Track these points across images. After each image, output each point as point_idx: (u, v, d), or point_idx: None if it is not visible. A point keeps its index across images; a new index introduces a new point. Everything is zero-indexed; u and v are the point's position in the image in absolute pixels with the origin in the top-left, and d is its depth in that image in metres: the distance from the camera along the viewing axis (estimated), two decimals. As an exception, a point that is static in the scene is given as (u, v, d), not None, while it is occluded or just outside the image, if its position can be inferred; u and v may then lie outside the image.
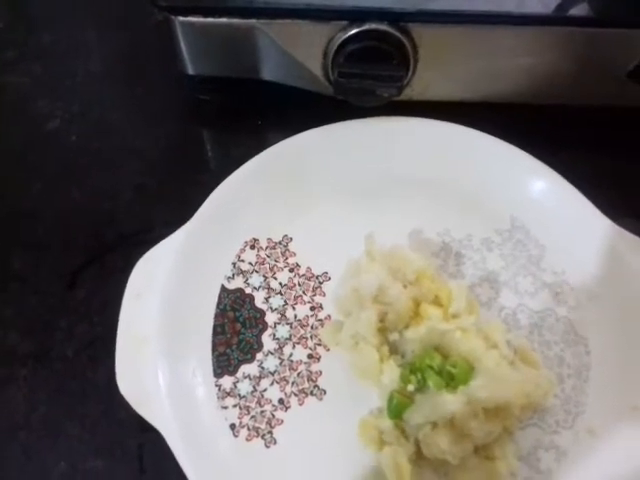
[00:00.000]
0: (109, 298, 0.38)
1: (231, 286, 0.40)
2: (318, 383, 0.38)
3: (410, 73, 0.40)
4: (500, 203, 0.43)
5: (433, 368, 0.34)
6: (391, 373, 0.35)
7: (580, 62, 0.41)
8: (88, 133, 0.48)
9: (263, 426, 0.36)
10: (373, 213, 0.42)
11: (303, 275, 0.41)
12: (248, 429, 0.36)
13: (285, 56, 0.42)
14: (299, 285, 0.41)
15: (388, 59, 0.39)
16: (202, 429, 0.35)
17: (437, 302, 0.37)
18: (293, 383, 0.38)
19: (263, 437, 0.36)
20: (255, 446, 0.36)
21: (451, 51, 0.41)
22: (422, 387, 0.34)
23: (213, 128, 0.49)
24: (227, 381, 0.37)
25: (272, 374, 0.38)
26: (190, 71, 0.45)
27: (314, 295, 0.41)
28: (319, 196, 0.43)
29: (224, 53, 0.43)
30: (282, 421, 0.37)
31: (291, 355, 0.39)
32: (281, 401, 0.37)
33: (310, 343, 0.39)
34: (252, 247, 0.42)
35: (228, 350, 0.38)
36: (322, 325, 0.39)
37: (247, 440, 0.36)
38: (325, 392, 0.37)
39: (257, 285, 0.41)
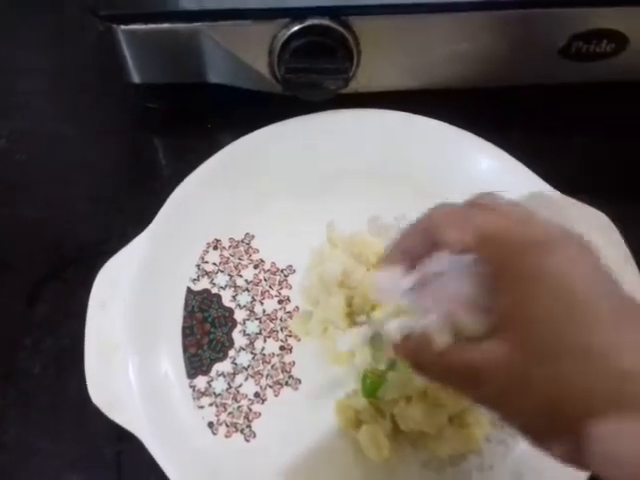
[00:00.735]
0: (73, 310, 0.38)
1: (197, 287, 0.40)
2: (292, 373, 0.38)
3: (354, 65, 0.42)
4: (452, 184, 0.44)
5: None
6: (362, 354, 0.35)
7: (514, 43, 0.43)
8: (36, 150, 0.47)
9: (241, 421, 0.37)
10: (331, 204, 0.43)
11: (268, 270, 0.42)
12: (226, 426, 0.36)
13: (231, 57, 0.43)
14: (265, 280, 0.41)
15: (332, 52, 0.40)
16: (180, 430, 0.35)
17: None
18: (267, 376, 0.38)
19: (242, 432, 0.36)
20: (235, 442, 0.36)
21: (391, 41, 0.42)
22: (393, 365, 0.35)
23: (164, 135, 0.49)
24: (201, 381, 0.37)
25: (246, 369, 0.38)
26: (136, 80, 0.45)
27: (281, 289, 0.41)
28: (277, 192, 0.44)
29: (169, 59, 0.44)
30: (260, 414, 0.37)
31: (263, 349, 0.39)
32: (257, 395, 0.37)
33: (281, 335, 0.39)
34: (215, 248, 0.42)
35: (199, 351, 0.38)
36: (291, 317, 0.40)
37: (226, 437, 0.36)
38: (300, 381, 0.38)
39: (223, 284, 0.41)
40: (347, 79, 0.42)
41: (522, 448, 0.35)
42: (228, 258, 0.42)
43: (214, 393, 0.37)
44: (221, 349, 0.39)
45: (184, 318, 0.39)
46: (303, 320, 0.39)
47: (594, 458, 0.22)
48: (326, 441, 0.36)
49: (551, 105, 0.48)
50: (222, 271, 0.41)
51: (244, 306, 0.40)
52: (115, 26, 0.41)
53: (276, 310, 0.40)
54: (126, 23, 0.41)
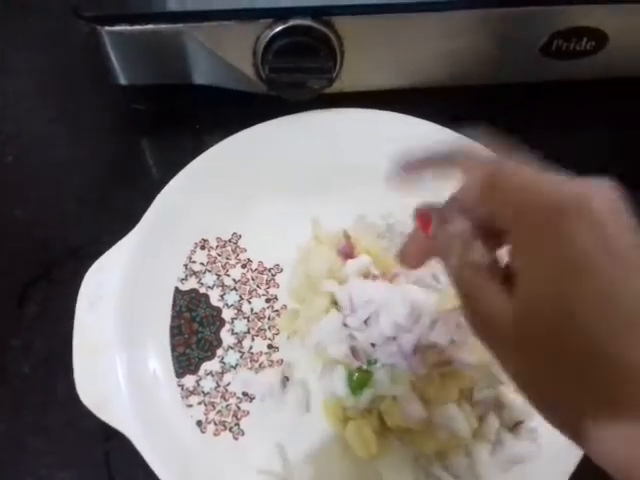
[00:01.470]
0: (61, 311, 0.38)
1: (185, 287, 0.41)
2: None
3: (338, 64, 0.42)
4: (438, 182, 0.44)
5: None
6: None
7: (496, 41, 0.44)
8: (24, 152, 0.47)
9: (229, 419, 0.37)
10: (317, 203, 0.44)
11: (256, 269, 0.42)
12: (215, 424, 0.37)
13: (215, 58, 0.43)
14: (253, 279, 0.42)
15: (315, 52, 0.40)
16: (168, 429, 0.36)
17: (386, 277, 0.38)
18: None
19: (231, 430, 0.37)
20: (223, 440, 0.36)
21: (374, 41, 0.43)
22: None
23: (151, 135, 0.49)
24: (189, 380, 0.38)
25: (234, 368, 0.38)
26: (122, 81, 0.45)
27: (268, 287, 0.41)
28: (264, 191, 0.44)
29: (154, 60, 0.44)
30: (248, 412, 0.37)
31: (251, 348, 0.39)
32: (245, 393, 0.38)
33: (269, 334, 0.40)
34: (202, 247, 0.42)
35: (188, 350, 0.39)
36: (279, 315, 0.40)
37: (215, 435, 0.36)
38: (288, 379, 0.38)
39: (211, 284, 0.41)
40: (331, 79, 0.42)
41: (510, 442, 0.36)
42: (215, 258, 0.42)
43: (202, 392, 0.38)
44: (209, 348, 0.39)
45: (172, 318, 0.39)
46: (290, 318, 0.39)
47: (591, 455, 0.22)
48: (314, 438, 0.36)
49: (535, 103, 0.49)
50: (210, 271, 0.42)
51: (232, 305, 0.41)
52: (100, 27, 0.41)
53: (264, 309, 0.41)
54: (111, 24, 0.41)
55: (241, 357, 0.39)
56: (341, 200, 0.44)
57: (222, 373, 0.38)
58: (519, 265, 0.23)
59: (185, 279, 0.41)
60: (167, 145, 0.48)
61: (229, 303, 0.41)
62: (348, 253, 0.39)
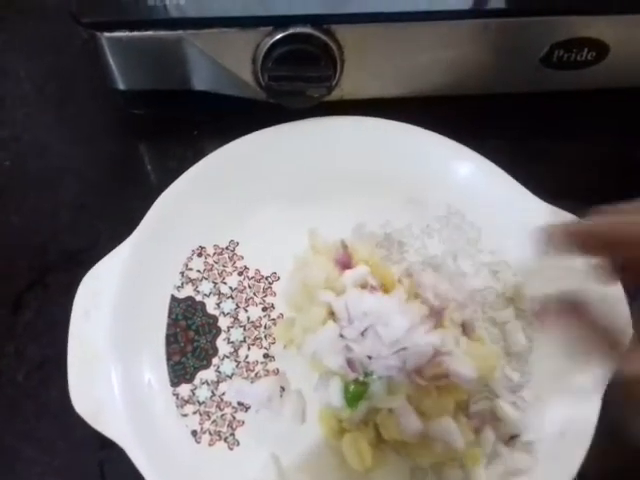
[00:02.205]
0: (57, 318, 0.38)
1: (181, 295, 0.41)
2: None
3: (338, 73, 0.42)
4: (436, 192, 0.44)
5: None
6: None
7: (497, 52, 0.43)
8: (22, 157, 0.47)
9: (225, 429, 0.37)
10: (315, 212, 0.43)
11: (252, 277, 0.42)
12: (210, 434, 0.36)
13: (214, 65, 0.43)
14: (249, 287, 0.41)
15: (315, 60, 0.40)
16: (163, 439, 0.35)
17: (384, 289, 0.38)
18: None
19: (225, 440, 0.36)
20: (218, 450, 0.36)
21: (375, 50, 0.42)
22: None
23: (149, 141, 0.49)
24: (185, 389, 0.38)
25: (230, 377, 0.38)
26: (121, 86, 0.45)
27: (265, 296, 0.41)
28: (261, 199, 0.44)
29: (153, 66, 0.44)
30: (243, 422, 0.37)
31: (247, 357, 0.39)
32: (241, 402, 0.37)
33: (265, 343, 0.39)
34: (199, 255, 0.42)
35: (183, 358, 0.39)
36: (275, 324, 0.40)
37: (210, 445, 0.36)
38: (283, 389, 0.38)
39: (207, 292, 0.41)
40: (330, 87, 0.42)
41: (506, 455, 0.36)
42: (212, 265, 0.42)
43: (198, 401, 0.37)
44: (205, 357, 0.39)
45: (168, 326, 0.39)
46: (286, 327, 0.39)
47: None
48: (310, 449, 0.36)
49: (535, 113, 0.49)
50: (206, 278, 0.41)
51: (228, 313, 0.40)
52: (98, 34, 0.41)
53: (260, 317, 0.40)
54: (109, 30, 0.41)
55: (237, 366, 0.39)
56: (339, 208, 0.44)
57: (218, 382, 0.38)
58: None
59: (181, 287, 0.41)
60: (165, 151, 0.47)
61: (225, 311, 0.40)
62: (346, 263, 0.38)
